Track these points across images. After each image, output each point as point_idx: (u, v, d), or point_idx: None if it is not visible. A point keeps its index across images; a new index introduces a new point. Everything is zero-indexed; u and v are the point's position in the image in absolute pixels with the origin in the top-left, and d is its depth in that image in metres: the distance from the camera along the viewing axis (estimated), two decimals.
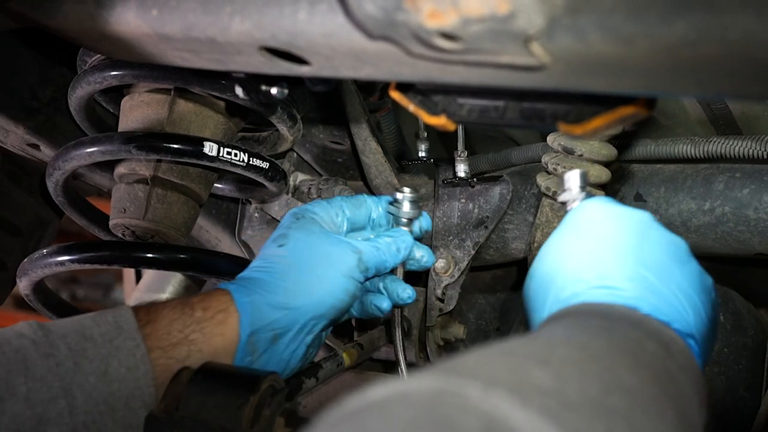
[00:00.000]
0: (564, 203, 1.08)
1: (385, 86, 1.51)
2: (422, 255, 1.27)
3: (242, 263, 1.38)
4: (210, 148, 1.26)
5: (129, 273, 2.59)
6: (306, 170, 1.65)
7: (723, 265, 1.58)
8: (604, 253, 0.92)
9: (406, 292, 1.24)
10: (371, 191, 1.58)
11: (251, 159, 1.31)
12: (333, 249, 1.16)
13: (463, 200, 1.52)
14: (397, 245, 1.22)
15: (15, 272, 1.42)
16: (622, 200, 1.44)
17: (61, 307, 1.50)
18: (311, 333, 1.14)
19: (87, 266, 1.32)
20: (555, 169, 1.36)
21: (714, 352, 1.44)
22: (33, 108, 1.48)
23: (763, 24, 0.58)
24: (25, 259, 1.37)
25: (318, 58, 0.88)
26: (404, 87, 0.92)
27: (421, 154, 1.57)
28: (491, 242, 1.52)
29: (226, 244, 1.70)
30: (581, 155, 1.34)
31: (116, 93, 1.42)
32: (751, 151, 1.28)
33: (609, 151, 1.35)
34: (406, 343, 1.57)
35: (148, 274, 2.26)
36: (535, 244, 1.43)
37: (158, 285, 2.16)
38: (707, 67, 0.65)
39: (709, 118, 1.41)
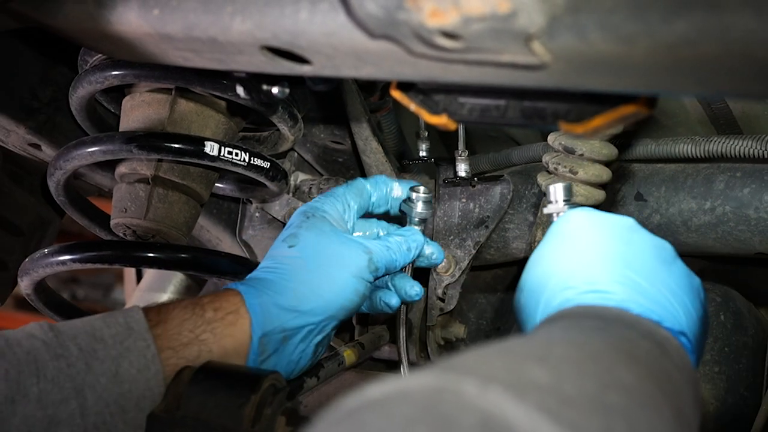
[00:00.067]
0: (549, 215, 1.11)
1: (385, 86, 1.51)
2: (432, 252, 1.27)
3: (243, 263, 1.39)
4: (211, 148, 1.26)
5: (130, 273, 2.59)
6: (307, 170, 1.65)
7: (723, 264, 1.59)
8: (591, 259, 0.93)
9: (414, 289, 1.24)
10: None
11: (252, 159, 1.31)
12: (344, 249, 1.16)
13: (463, 200, 1.52)
14: (408, 244, 1.22)
15: (16, 272, 1.42)
16: (623, 199, 1.44)
17: (63, 306, 1.50)
18: (321, 334, 1.14)
19: (88, 266, 1.32)
20: (556, 169, 1.36)
21: (714, 351, 1.44)
22: (34, 108, 1.48)
23: (763, 23, 0.58)
24: (27, 259, 1.37)
25: (319, 58, 0.88)
26: (405, 86, 0.92)
27: (422, 153, 1.57)
28: (492, 242, 1.52)
29: (227, 244, 1.70)
30: (582, 154, 1.34)
31: (117, 93, 1.42)
32: (751, 150, 1.28)
33: (610, 151, 1.35)
34: (408, 343, 1.57)
35: (149, 273, 2.26)
36: (536, 244, 1.43)
37: (159, 284, 2.16)
38: (708, 66, 0.66)
39: (710, 117, 1.41)
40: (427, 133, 1.57)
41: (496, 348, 0.69)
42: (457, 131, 1.49)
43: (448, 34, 0.69)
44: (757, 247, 1.35)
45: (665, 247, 0.96)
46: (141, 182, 1.34)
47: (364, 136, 1.49)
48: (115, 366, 0.97)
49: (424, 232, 1.27)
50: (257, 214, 1.67)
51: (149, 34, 0.96)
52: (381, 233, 1.28)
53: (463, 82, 0.85)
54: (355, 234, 1.25)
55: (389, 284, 1.25)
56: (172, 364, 1.01)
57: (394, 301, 1.23)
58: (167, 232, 1.35)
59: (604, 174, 1.35)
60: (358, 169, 1.61)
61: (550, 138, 1.38)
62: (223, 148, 1.27)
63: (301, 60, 0.90)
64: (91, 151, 1.26)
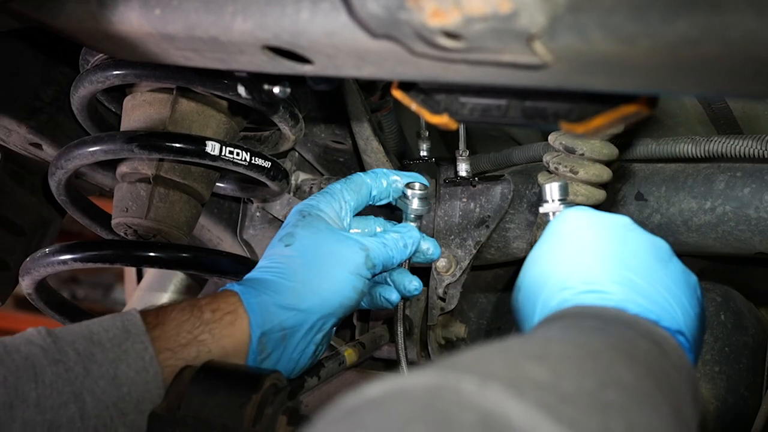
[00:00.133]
0: (545, 214, 1.11)
1: (386, 85, 1.51)
2: (428, 247, 1.28)
3: (244, 262, 1.39)
4: (212, 148, 1.26)
5: (130, 272, 2.59)
6: (307, 169, 1.65)
7: (724, 264, 1.59)
8: (588, 259, 0.93)
9: (413, 284, 1.24)
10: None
11: (253, 158, 1.31)
12: (340, 247, 1.16)
13: (464, 199, 1.52)
14: (404, 241, 1.22)
15: (17, 271, 1.42)
16: (624, 199, 1.44)
17: (64, 306, 1.50)
18: (320, 332, 1.14)
19: (89, 265, 1.32)
20: (556, 169, 1.36)
21: (715, 351, 1.44)
22: (35, 107, 1.48)
23: (763, 23, 0.58)
24: (28, 258, 1.37)
25: (320, 57, 0.89)
26: (406, 86, 0.92)
27: (423, 153, 1.58)
28: (493, 241, 1.53)
29: (227, 243, 1.70)
30: (582, 154, 1.34)
31: (118, 92, 1.43)
32: (751, 150, 1.28)
33: (610, 150, 1.35)
34: (408, 343, 1.58)
35: (150, 273, 2.26)
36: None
37: (160, 284, 2.17)
38: (708, 65, 0.66)
39: (710, 117, 1.42)
40: (427, 133, 1.57)
41: (494, 347, 0.69)
42: (457, 131, 1.49)
43: (450, 34, 0.69)
44: (758, 247, 1.35)
45: (661, 246, 0.96)
46: (142, 182, 1.34)
47: (365, 135, 1.49)
48: (113, 369, 0.97)
49: (420, 229, 1.27)
50: (258, 214, 1.67)
51: (151, 33, 0.96)
52: (378, 230, 1.28)
53: (464, 81, 0.85)
54: (352, 231, 1.25)
55: (388, 280, 1.25)
56: (170, 365, 1.01)
57: (394, 296, 1.24)
58: (168, 232, 1.35)
59: (605, 174, 1.35)
60: (359, 169, 1.61)
61: (551, 138, 1.38)
62: (224, 147, 1.27)
63: (302, 60, 0.91)
64: (93, 151, 1.26)
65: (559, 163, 1.36)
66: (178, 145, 1.26)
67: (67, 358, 0.96)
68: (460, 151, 1.49)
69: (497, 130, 1.75)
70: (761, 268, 1.57)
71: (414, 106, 0.92)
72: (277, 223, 1.63)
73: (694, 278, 0.96)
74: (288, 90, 1.22)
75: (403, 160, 1.62)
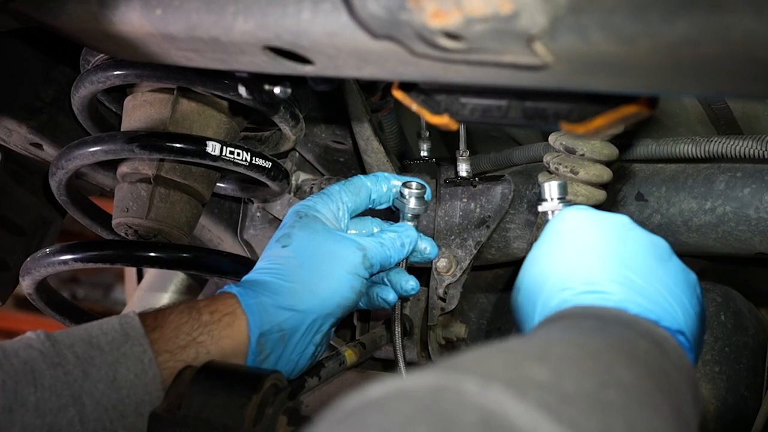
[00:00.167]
0: (544, 214, 1.11)
1: (387, 86, 1.51)
2: (426, 246, 1.28)
3: (244, 262, 1.39)
4: (213, 148, 1.26)
5: (130, 272, 2.59)
6: (308, 169, 1.65)
7: (724, 264, 1.59)
8: (587, 259, 0.93)
9: (410, 284, 1.24)
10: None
11: (254, 158, 1.31)
12: (337, 247, 1.16)
13: (464, 200, 1.52)
14: (401, 240, 1.22)
15: (18, 271, 1.42)
16: (624, 199, 1.44)
17: (64, 306, 1.50)
18: (319, 332, 1.14)
19: (90, 265, 1.33)
20: (557, 169, 1.36)
21: (715, 351, 1.44)
22: (36, 107, 1.49)
23: (763, 23, 0.58)
24: (28, 259, 1.37)
25: (321, 58, 0.89)
26: (407, 86, 0.92)
27: (423, 153, 1.58)
28: (493, 242, 1.53)
29: (228, 244, 1.71)
30: (583, 154, 1.34)
31: (119, 92, 1.43)
32: (751, 150, 1.29)
33: (610, 151, 1.35)
34: (408, 343, 1.58)
35: (150, 273, 2.26)
36: None
37: (160, 284, 2.17)
38: (708, 66, 0.66)
39: (710, 117, 1.42)
40: (428, 133, 1.57)
41: (495, 348, 0.70)
42: (458, 131, 1.49)
43: (451, 35, 0.69)
44: (758, 247, 1.35)
45: (661, 245, 0.96)
46: (143, 182, 1.34)
47: (365, 135, 1.49)
48: (112, 372, 0.97)
49: (418, 228, 1.27)
50: (258, 214, 1.67)
51: (152, 34, 0.97)
52: (375, 230, 1.28)
53: (464, 82, 0.85)
54: (349, 232, 1.25)
55: (385, 280, 1.25)
56: (170, 367, 1.02)
57: (391, 296, 1.24)
58: (169, 232, 1.35)
59: (605, 174, 1.36)
60: (360, 169, 1.61)
61: (551, 138, 1.38)
62: (224, 147, 1.27)
63: (303, 60, 0.91)
64: (93, 151, 1.26)
65: (560, 164, 1.36)
66: (178, 145, 1.26)
67: (66, 362, 0.96)
68: (461, 152, 1.50)
69: (497, 131, 1.76)
70: (761, 269, 1.57)
71: (414, 107, 0.92)
72: (277, 223, 1.64)
73: (693, 277, 0.96)
74: (289, 90, 1.22)
75: (403, 160, 1.62)
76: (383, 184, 1.28)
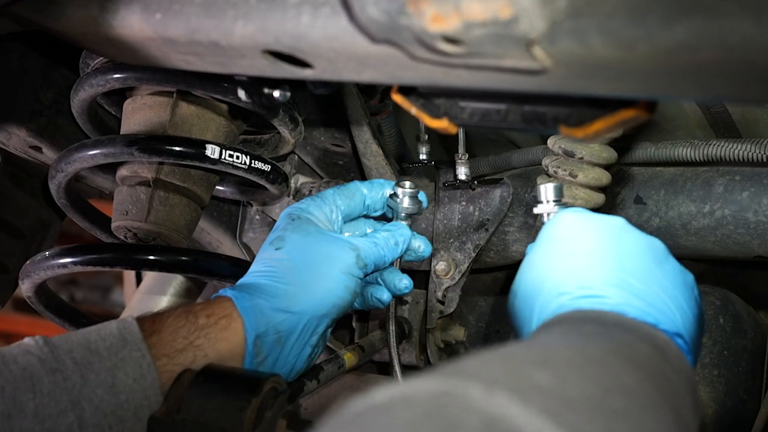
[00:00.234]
0: (539, 215, 1.12)
1: (386, 89, 1.51)
2: (419, 245, 1.28)
3: (243, 265, 1.39)
4: (212, 151, 1.26)
5: (129, 275, 2.59)
6: (307, 173, 1.65)
7: (722, 267, 1.59)
8: (584, 262, 0.93)
9: (403, 282, 1.24)
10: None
11: (253, 162, 1.31)
12: (330, 248, 1.17)
13: (463, 203, 1.52)
14: (395, 239, 1.23)
15: (17, 274, 1.42)
16: (623, 203, 1.44)
17: (63, 309, 1.50)
18: (315, 333, 1.14)
19: (89, 268, 1.33)
20: (555, 172, 1.36)
21: (714, 354, 1.44)
22: (35, 110, 1.49)
23: (762, 28, 0.58)
24: (28, 262, 1.37)
25: (321, 62, 0.89)
26: (406, 90, 0.93)
27: (422, 156, 1.58)
28: (492, 245, 1.53)
29: (227, 247, 1.71)
30: (582, 158, 1.34)
31: (118, 96, 1.43)
32: (750, 154, 1.29)
33: (609, 154, 1.35)
34: (407, 346, 1.58)
35: (149, 276, 2.26)
36: None
37: (159, 287, 2.17)
38: (707, 71, 0.66)
39: (709, 121, 1.42)
40: (427, 137, 1.57)
41: (498, 353, 0.70)
42: (457, 134, 1.49)
43: (450, 39, 0.70)
44: (756, 251, 1.35)
45: (657, 246, 0.96)
46: (142, 185, 1.34)
47: (364, 139, 1.49)
48: (111, 377, 0.97)
49: (411, 227, 1.27)
50: (258, 217, 1.67)
51: (151, 37, 0.97)
52: (369, 231, 1.29)
53: (464, 86, 0.85)
54: (343, 234, 1.25)
55: (379, 279, 1.25)
56: (168, 371, 1.02)
57: (385, 296, 1.24)
58: (168, 235, 1.35)
59: (604, 177, 1.36)
60: (359, 172, 1.61)
61: (550, 141, 1.38)
62: (224, 151, 1.27)
63: (302, 64, 0.91)
64: (93, 154, 1.26)
65: (558, 167, 1.36)
66: (178, 148, 1.26)
67: (64, 367, 0.96)
68: (460, 155, 1.50)
69: (496, 134, 1.76)
70: (760, 272, 1.57)
71: (414, 111, 0.92)
72: None
73: (691, 278, 0.95)
74: (288, 94, 1.22)
75: (402, 163, 1.62)
76: (378, 191, 1.28)
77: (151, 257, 1.34)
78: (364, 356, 1.40)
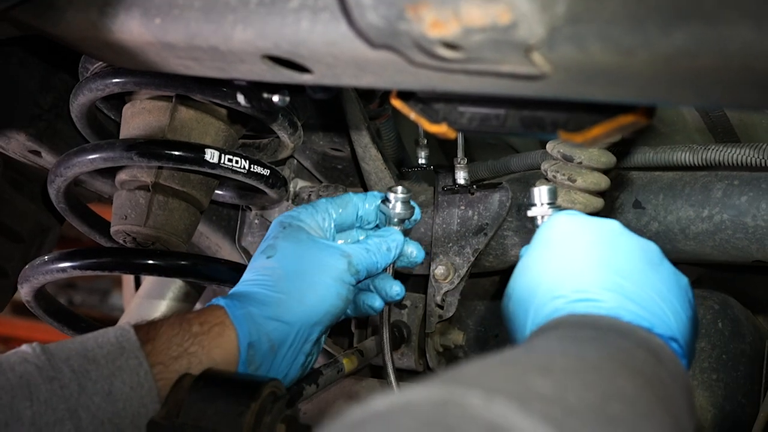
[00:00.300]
0: (533, 218, 1.12)
1: (385, 93, 1.51)
2: (412, 251, 1.27)
3: (242, 270, 1.38)
4: (211, 155, 1.27)
5: (128, 279, 2.59)
6: (306, 177, 1.66)
7: (721, 272, 1.59)
8: (578, 266, 0.93)
9: (394, 289, 1.24)
10: None
11: (252, 166, 1.31)
12: (322, 255, 1.16)
13: (462, 207, 1.52)
14: (387, 244, 1.22)
15: (16, 279, 1.42)
16: (621, 207, 1.44)
17: (62, 313, 1.50)
18: (308, 341, 1.14)
19: (88, 273, 1.33)
20: (554, 177, 1.36)
21: (712, 359, 1.44)
22: (35, 115, 1.49)
23: (761, 35, 0.58)
24: (27, 266, 1.37)
25: (320, 67, 0.89)
26: (405, 95, 0.93)
27: (421, 161, 1.58)
28: (490, 249, 1.53)
29: (226, 251, 1.71)
30: (580, 162, 1.34)
31: (118, 100, 1.43)
32: (749, 158, 1.29)
33: (608, 159, 1.36)
34: (406, 350, 1.58)
35: (148, 280, 2.26)
36: None
37: (158, 291, 2.16)
38: (706, 77, 0.66)
39: (708, 125, 1.42)
40: (426, 141, 1.57)
41: (497, 359, 0.70)
42: (456, 139, 1.49)
43: (449, 45, 0.70)
44: (755, 255, 1.35)
45: (652, 249, 0.96)
46: (141, 189, 1.34)
47: (363, 143, 1.50)
48: (108, 385, 0.97)
49: (404, 233, 1.27)
50: (257, 221, 1.68)
51: (151, 42, 0.97)
52: (361, 238, 1.28)
53: (463, 91, 0.85)
54: (335, 242, 1.25)
55: (371, 286, 1.25)
56: (163, 378, 1.02)
57: (377, 303, 1.24)
58: (167, 239, 1.35)
59: (603, 182, 1.36)
60: (357, 176, 1.62)
61: (549, 146, 1.38)
62: (223, 155, 1.27)
63: (301, 69, 0.91)
64: (92, 159, 1.27)
65: (557, 171, 1.36)
66: (177, 152, 1.26)
67: (62, 375, 0.96)
68: (459, 159, 1.50)
69: (495, 138, 1.76)
70: (759, 276, 1.58)
71: (413, 115, 0.92)
72: None
73: (685, 280, 0.95)
74: (287, 98, 1.22)
75: (401, 167, 1.63)
76: (372, 202, 1.27)
77: (150, 261, 1.34)
78: (362, 361, 1.40)
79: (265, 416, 0.97)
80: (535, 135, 1.46)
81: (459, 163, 1.50)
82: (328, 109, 1.50)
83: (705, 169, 1.38)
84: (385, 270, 1.24)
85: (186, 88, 1.27)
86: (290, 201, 1.61)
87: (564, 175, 1.35)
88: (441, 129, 0.91)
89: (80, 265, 1.32)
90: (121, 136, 1.37)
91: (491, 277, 1.72)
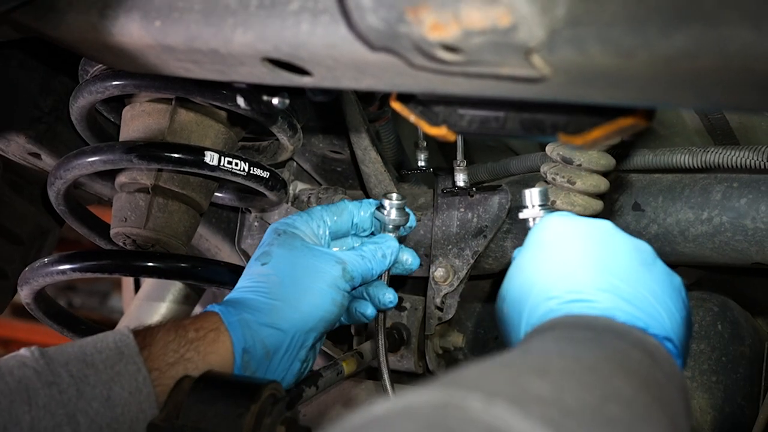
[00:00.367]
0: (525, 220, 1.12)
1: (384, 96, 1.52)
2: (407, 258, 1.28)
3: (242, 272, 1.39)
4: (211, 158, 1.27)
5: (128, 281, 2.59)
6: (306, 179, 1.66)
7: (721, 274, 1.59)
8: (571, 266, 0.93)
9: (387, 297, 1.24)
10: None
11: (252, 168, 1.31)
12: (316, 262, 1.17)
13: (462, 209, 1.52)
14: (382, 251, 1.22)
15: (15, 281, 1.42)
16: (621, 209, 1.44)
17: (62, 315, 1.50)
18: (304, 347, 1.14)
19: (88, 275, 1.33)
20: (554, 179, 1.36)
21: (712, 361, 1.45)
22: (34, 117, 1.49)
23: (761, 36, 0.59)
24: (27, 268, 1.37)
25: (320, 69, 0.89)
26: (405, 98, 0.93)
27: (421, 163, 1.58)
28: (490, 251, 1.53)
29: (225, 253, 1.71)
30: (580, 165, 1.34)
31: (117, 102, 1.43)
32: (748, 161, 1.29)
33: (607, 161, 1.36)
34: (406, 352, 1.58)
35: (148, 282, 2.26)
36: None
37: (158, 293, 2.16)
38: (706, 78, 0.66)
39: (707, 128, 1.42)
40: (425, 143, 1.57)
41: (495, 362, 0.70)
42: (455, 141, 1.49)
43: (449, 47, 0.70)
44: (754, 257, 1.35)
45: (645, 249, 0.96)
46: (141, 192, 1.34)
47: (362, 145, 1.50)
48: (107, 390, 0.97)
49: (400, 240, 1.27)
50: (256, 223, 1.68)
51: (151, 45, 0.97)
52: (356, 245, 1.28)
53: (462, 94, 0.85)
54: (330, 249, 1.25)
55: (365, 294, 1.25)
56: (159, 384, 1.02)
57: (369, 310, 1.24)
58: (167, 242, 1.35)
59: (602, 184, 1.36)
60: (357, 179, 1.62)
61: (549, 148, 1.38)
62: (222, 157, 1.28)
63: (301, 71, 0.91)
64: (92, 161, 1.27)
65: (557, 174, 1.36)
66: (176, 155, 1.26)
67: (60, 380, 0.96)
68: (458, 162, 1.50)
69: (495, 141, 1.76)
70: (758, 278, 1.58)
71: (413, 118, 0.92)
72: None
73: (678, 280, 0.96)
74: (287, 101, 1.22)
75: (400, 170, 1.63)
76: (367, 210, 1.27)
77: (150, 264, 1.34)
78: (362, 363, 1.40)
79: (264, 418, 0.97)
80: (534, 137, 1.46)
81: (458, 166, 1.50)
82: (327, 112, 1.50)
83: (704, 171, 1.38)
84: (380, 277, 1.25)
85: (186, 91, 1.27)
86: (290, 203, 1.61)
87: (563, 177, 1.35)
88: (441, 131, 0.91)
89: (80, 267, 1.32)
90: (120, 139, 1.37)
91: (491, 280, 1.72)
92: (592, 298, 0.89)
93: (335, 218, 1.25)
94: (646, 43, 0.62)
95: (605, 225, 0.98)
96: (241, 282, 1.19)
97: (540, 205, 1.11)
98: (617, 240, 0.96)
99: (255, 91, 1.22)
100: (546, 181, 1.40)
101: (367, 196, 1.59)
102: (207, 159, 1.26)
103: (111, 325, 1.72)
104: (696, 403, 1.42)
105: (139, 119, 1.35)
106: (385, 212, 1.26)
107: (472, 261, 1.51)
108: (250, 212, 1.67)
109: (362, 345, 1.47)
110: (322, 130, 1.56)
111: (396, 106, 0.93)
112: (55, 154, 1.50)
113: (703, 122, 1.41)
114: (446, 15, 0.66)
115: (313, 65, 0.88)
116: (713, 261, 1.41)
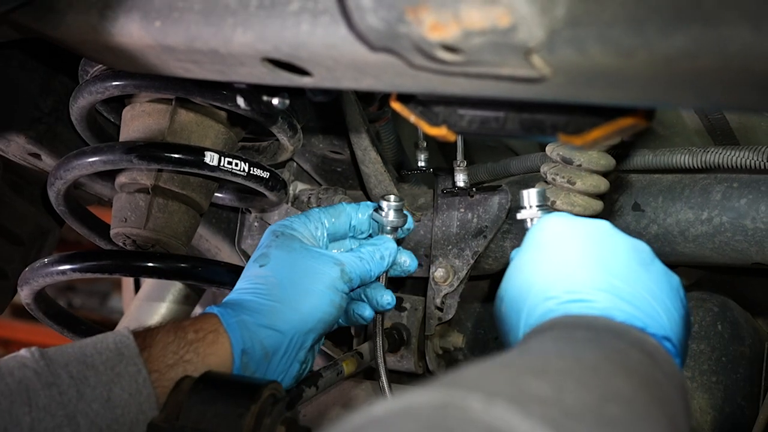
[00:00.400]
0: (523, 221, 1.12)
1: (384, 96, 1.52)
2: (405, 260, 1.28)
3: (241, 273, 1.39)
4: (211, 158, 1.27)
5: (128, 282, 2.59)
6: (306, 179, 1.66)
7: (721, 274, 1.59)
8: (570, 266, 0.93)
9: (385, 299, 1.24)
10: (370, 200, 1.58)
11: (252, 169, 1.31)
12: (314, 263, 1.17)
13: (462, 210, 1.52)
14: (380, 253, 1.23)
15: (16, 281, 1.42)
16: (621, 210, 1.44)
17: (62, 316, 1.50)
18: (302, 349, 1.14)
19: (88, 275, 1.33)
20: (554, 179, 1.36)
21: (712, 361, 1.45)
22: (34, 117, 1.49)
23: (761, 36, 0.59)
24: (27, 268, 1.37)
25: (320, 70, 0.89)
26: (405, 98, 0.93)
27: (421, 163, 1.58)
28: (490, 251, 1.53)
29: (225, 253, 1.71)
30: (580, 165, 1.34)
31: (117, 103, 1.43)
32: (748, 161, 1.29)
33: (607, 161, 1.35)
34: (406, 352, 1.58)
35: (148, 283, 2.26)
36: None
37: (158, 294, 2.16)
38: (706, 78, 0.66)
39: (707, 128, 1.42)
40: (425, 144, 1.57)
41: (495, 362, 0.70)
42: (455, 142, 1.49)
43: (449, 48, 0.70)
44: (754, 257, 1.35)
45: (642, 249, 0.97)
46: (141, 192, 1.34)
47: (362, 146, 1.50)
48: (107, 392, 0.97)
49: (398, 241, 1.27)
50: (256, 224, 1.68)
51: (151, 45, 0.97)
52: (353, 247, 1.28)
53: (462, 94, 0.85)
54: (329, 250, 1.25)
55: (362, 295, 1.25)
56: (159, 386, 1.02)
57: (367, 312, 1.24)
58: (167, 242, 1.35)
59: (602, 184, 1.36)
60: (357, 179, 1.62)
61: (549, 148, 1.38)
62: (222, 158, 1.28)
63: (301, 72, 0.91)
64: (92, 161, 1.27)
65: (557, 174, 1.36)
66: (176, 155, 1.26)
67: (60, 381, 0.96)
68: (458, 162, 1.50)
69: (495, 141, 1.76)
70: (758, 278, 1.58)
71: (413, 118, 0.92)
72: None
73: (676, 279, 0.96)
74: (287, 101, 1.22)
75: (400, 170, 1.63)
76: (365, 212, 1.28)
77: (150, 264, 1.34)
78: (362, 363, 1.40)
79: (264, 418, 0.97)
80: (534, 138, 1.46)
81: (458, 166, 1.50)
82: (327, 112, 1.50)
83: (704, 171, 1.38)
84: (378, 279, 1.25)
85: (186, 91, 1.27)
86: (290, 204, 1.61)
87: (563, 177, 1.35)
88: (441, 132, 0.91)
89: (80, 267, 1.32)
90: (120, 139, 1.37)
91: (491, 280, 1.72)
92: (590, 298, 0.89)
93: (333, 220, 1.25)
94: (646, 43, 0.62)
95: (603, 225, 0.98)
96: (240, 284, 1.19)
97: (538, 206, 1.11)
98: (615, 240, 0.96)
99: (255, 92, 1.22)
100: (546, 182, 1.40)
101: (368, 197, 1.59)
102: (207, 159, 1.26)
103: (111, 325, 1.72)
104: (696, 403, 1.42)
105: (139, 119, 1.35)
106: (383, 214, 1.26)
107: (472, 261, 1.51)
108: (250, 212, 1.67)
109: (362, 345, 1.47)
110: (322, 131, 1.56)
111: (396, 106, 0.93)
112: (55, 154, 1.50)
113: (703, 122, 1.41)
114: (446, 15, 0.66)
115: (313, 65, 0.88)
116: (713, 261, 1.41)
